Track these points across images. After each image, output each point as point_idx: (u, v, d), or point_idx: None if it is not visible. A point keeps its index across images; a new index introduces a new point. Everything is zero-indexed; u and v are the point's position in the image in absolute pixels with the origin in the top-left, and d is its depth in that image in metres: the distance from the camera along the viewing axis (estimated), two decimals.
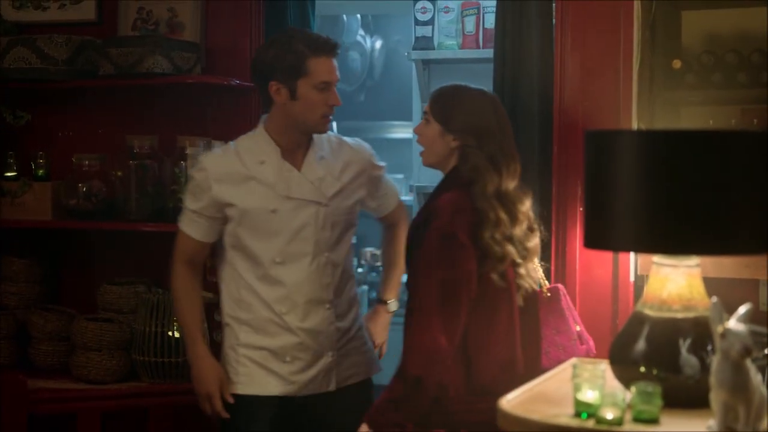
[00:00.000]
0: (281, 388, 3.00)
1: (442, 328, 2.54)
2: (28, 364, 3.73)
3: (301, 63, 2.89)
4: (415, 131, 2.81)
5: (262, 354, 3.01)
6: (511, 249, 2.65)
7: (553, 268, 3.24)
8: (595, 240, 2.31)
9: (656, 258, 2.37)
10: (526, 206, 2.72)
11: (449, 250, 2.56)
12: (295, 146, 3.01)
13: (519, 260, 2.68)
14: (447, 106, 2.72)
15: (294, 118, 2.95)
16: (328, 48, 2.94)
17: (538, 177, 3.32)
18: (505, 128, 2.73)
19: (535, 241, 2.75)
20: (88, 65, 3.69)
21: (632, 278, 3.19)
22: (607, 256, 3.18)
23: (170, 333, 3.52)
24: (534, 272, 2.79)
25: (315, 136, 3.04)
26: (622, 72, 3.20)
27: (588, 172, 2.34)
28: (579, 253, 3.22)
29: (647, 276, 3.00)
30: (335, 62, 2.97)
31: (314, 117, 2.95)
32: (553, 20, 3.34)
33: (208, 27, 3.82)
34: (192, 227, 3.02)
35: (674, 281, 2.32)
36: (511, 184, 2.67)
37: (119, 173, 3.67)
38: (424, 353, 2.53)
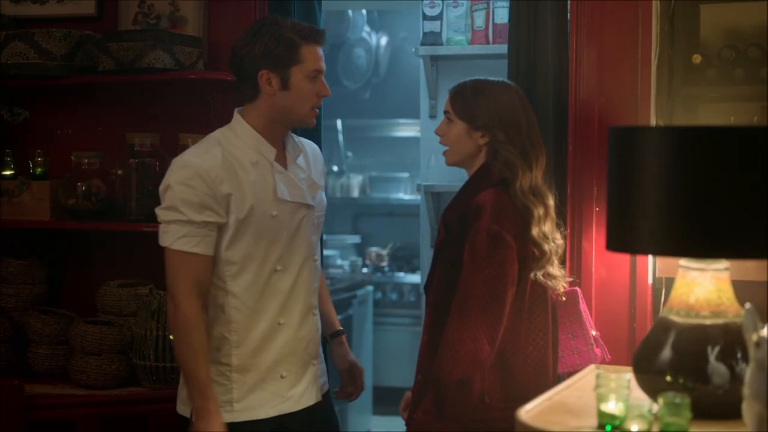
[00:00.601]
0: (280, 407, 2.87)
1: (485, 330, 2.50)
2: (26, 368, 3.68)
3: (293, 50, 2.78)
4: (437, 132, 2.76)
5: (257, 375, 2.85)
6: (551, 246, 2.63)
7: (568, 270, 3.15)
8: (618, 242, 2.22)
9: (683, 261, 2.27)
10: (552, 200, 2.70)
11: (496, 249, 2.52)
12: (278, 143, 2.89)
13: (554, 258, 2.66)
14: (471, 103, 2.67)
15: (283, 109, 2.81)
16: (318, 36, 2.83)
17: (553, 176, 3.22)
18: (531, 119, 2.69)
19: (560, 239, 2.72)
20: (88, 61, 3.63)
21: (650, 281, 3.12)
22: (624, 257, 3.11)
23: (172, 336, 3.35)
24: (560, 271, 2.74)
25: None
26: (641, 67, 3.14)
27: (611, 171, 2.24)
28: (595, 255, 3.16)
29: (666, 278, 3.05)
30: (321, 51, 2.87)
31: (304, 108, 2.82)
32: (568, 14, 3.29)
33: (211, 21, 3.76)
34: (199, 243, 2.70)
35: (702, 285, 2.22)
36: (540, 177, 2.65)
37: (119, 172, 3.62)
38: (468, 357, 2.49)
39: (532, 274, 2.60)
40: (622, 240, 2.21)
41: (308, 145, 3.06)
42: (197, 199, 2.69)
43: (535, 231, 2.58)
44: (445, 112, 2.73)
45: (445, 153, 2.77)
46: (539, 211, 2.60)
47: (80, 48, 3.63)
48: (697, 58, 3.09)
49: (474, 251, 2.55)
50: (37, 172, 3.75)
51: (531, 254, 2.58)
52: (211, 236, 2.72)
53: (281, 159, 2.89)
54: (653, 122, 3.13)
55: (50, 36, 3.57)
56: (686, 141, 2.09)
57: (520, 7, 3.31)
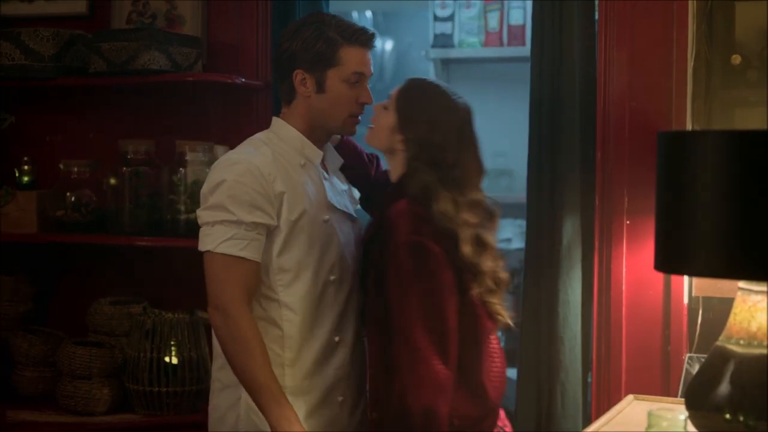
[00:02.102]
0: None
1: (434, 350, 2.33)
2: (11, 392, 3.58)
3: (332, 51, 2.58)
4: (374, 108, 2.62)
5: (313, 399, 2.61)
6: (488, 267, 2.46)
7: (596, 288, 3.04)
8: (669, 262, 1.99)
9: (742, 283, 2.04)
10: (494, 239, 2.53)
11: (422, 260, 2.35)
12: (323, 148, 2.71)
13: (493, 287, 2.48)
14: (411, 106, 2.53)
15: (318, 114, 2.63)
16: (364, 38, 2.62)
17: (579, 186, 3.10)
18: (467, 152, 2.52)
19: (505, 273, 2.56)
20: (78, 62, 3.51)
21: (686, 300, 2.96)
22: (657, 275, 2.94)
23: (167, 359, 3.32)
24: (504, 310, 2.56)
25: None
26: (676, 69, 2.98)
27: (661, 182, 2.02)
28: (626, 272, 3.01)
29: (703, 298, 2.89)
30: (370, 55, 2.66)
31: (341, 115, 2.62)
32: (596, 13, 3.13)
33: (211, 20, 3.64)
34: (247, 247, 2.46)
35: (766, 311, 1.97)
36: (471, 217, 2.44)
37: (112, 181, 3.51)
38: (426, 383, 2.32)
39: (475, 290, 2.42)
40: (673, 259, 1.98)
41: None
42: (248, 197, 2.47)
43: (466, 249, 2.39)
44: (390, 97, 2.59)
45: (368, 131, 2.64)
46: (466, 233, 2.41)
47: (70, 48, 3.51)
48: (736, 59, 2.93)
49: (398, 269, 2.38)
50: (24, 182, 3.65)
51: (467, 267, 2.40)
52: (259, 240, 2.50)
53: (322, 167, 2.73)
54: (689, 127, 2.97)
55: (38, 35, 3.44)
56: (753, 147, 1.85)
57: (544, 7, 3.17)
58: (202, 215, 2.53)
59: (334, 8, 3.68)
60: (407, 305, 2.37)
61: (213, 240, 2.48)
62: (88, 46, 3.47)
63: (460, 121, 2.52)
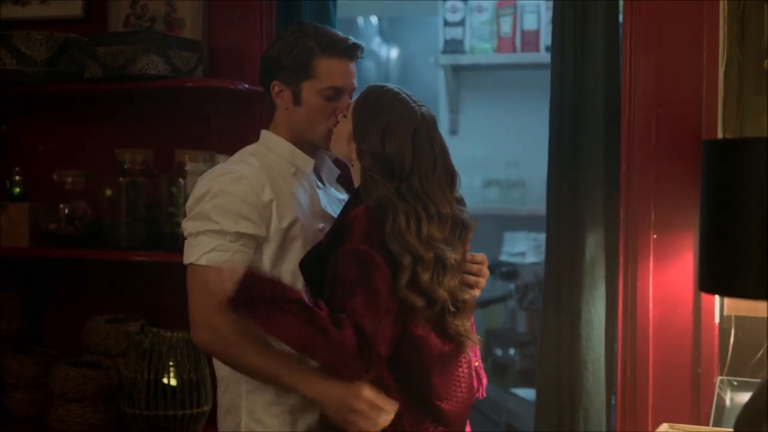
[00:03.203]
0: None
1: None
2: (2, 414, 3.51)
3: (307, 61, 2.48)
4: (336, 112, 2.51)
5: (317, 417, 2.51)
6: (443, 294, 2.33)
7: (620, 307, 2.96)
8: (719, 283, 1.84)
9: None
10: (460, 255, 2.39)
11: (364, 270, 2.26)
12: (315, 156, 2.63)
13: (453, 309, 2.36)
14: (365, 116, 2.41)
15: (297, 127, 2.55)
16: (342, 48, 2.49)
17: (603, 198, 3.03)
18: (428, 162, 2.39)
19: (470, 295, 2.42)
20: (73, 66, 3.45)
21: (717, 320, 2.88)
22: (687, 293, 2.90)
23: (165, 381, 3.20)
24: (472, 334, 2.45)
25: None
26: (706, 73, 2.91)
27: (706, 195, 1.89)
28: (653, 290, 2.94)
29: (735, 317, 2.80)
30: (352, 67, 2.54)
31: (320, 129, 2.52)
32: (620, 15, 3.06)
33: (212, 24, 3.57)
34: (231, 258, 2.38)
35: None
36: (434, 231, 2.32)
37: (108, 192, 3.45)
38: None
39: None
40: (723, 280, 1.82)
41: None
42: (234, 206, 2.40)
43: (424, 276, 2.28)
44: (349, 104, 2.49)
45: (332, 139, 2.53)
46: (427, 254, 2.28)
47: (64, 53, 3.45)
48: None
49: (340, 275, 2.30)
50: (15, 193, 3.58)
51: (422, 294, 2.30)
52: (245, 252, 2.41)
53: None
54: (720, 134, 2.88)
55: (30, 39, 3.38)
56: None
57: (564, 9, 3.08)
58: (186, 226, 2.46)
59: (341, 10, 3.63)
60: (348, 308, 2.27)
61: (196, 252, 2.40)
62: (83, 51, 3.40)
63: (417, 129, 2.40)
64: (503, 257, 4.46)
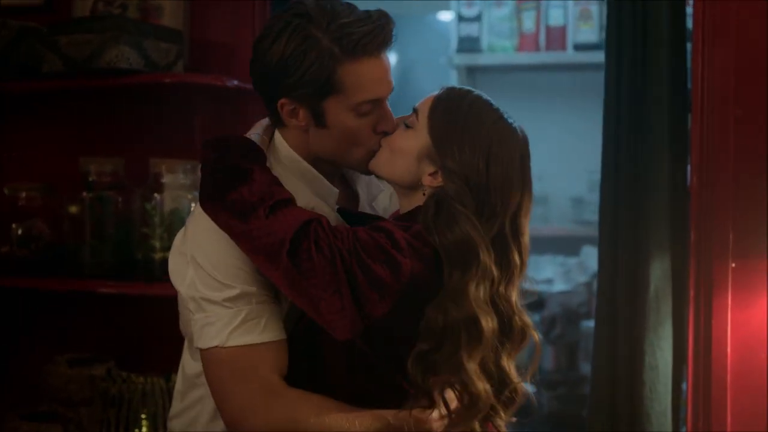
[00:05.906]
0: None
1: None
2: None
3: (327, 75, 1.92)
4: (388, 129, 2.00)
5: None
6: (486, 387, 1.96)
7: (691, 342, 2.81)
8: None
9: None
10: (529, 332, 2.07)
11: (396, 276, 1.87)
12: (336, 181, 2.13)
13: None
14: (457, 127, 1.92)
15: (322, 150, 2.03)
16: (376, 43, 1.93)
17: (669, 220, 2.86)
18: (525, 197, 1.98)
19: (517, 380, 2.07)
20: (29, 60, 3.26)
21: None
22: (764, 324, 2.75)
23: None
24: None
25: None
26: None
27: None
28: (731, 326, 2.77)
29: None
30: (387, 61, 1.99)
31: (355, 153, 2.01)
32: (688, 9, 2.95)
33: (195, 12, 3.37)
34: (268, 325, 1.93)
35: None
36: (511, 291, 1.95)
37: (70, 210, 3.28)
38: None
39: None
40: None
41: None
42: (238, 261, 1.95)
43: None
44: (414, 111, 1.97)
45: (378, 155, 2.02)
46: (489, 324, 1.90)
47: (19, 44, 3.27)
48: None
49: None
50: None
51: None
52: (278, 306, 1.96)
53: (343, 199, 2.09)
54: None
55: None
56: None
57: (622, 7, 2.95)
58: (186, 297, 1.97)
59: None
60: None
61: (217, 330, 1.91)
62: (41, 41, 3.22)
63: (521, 154, 1.96)
64: (525, 284, 4.14)
